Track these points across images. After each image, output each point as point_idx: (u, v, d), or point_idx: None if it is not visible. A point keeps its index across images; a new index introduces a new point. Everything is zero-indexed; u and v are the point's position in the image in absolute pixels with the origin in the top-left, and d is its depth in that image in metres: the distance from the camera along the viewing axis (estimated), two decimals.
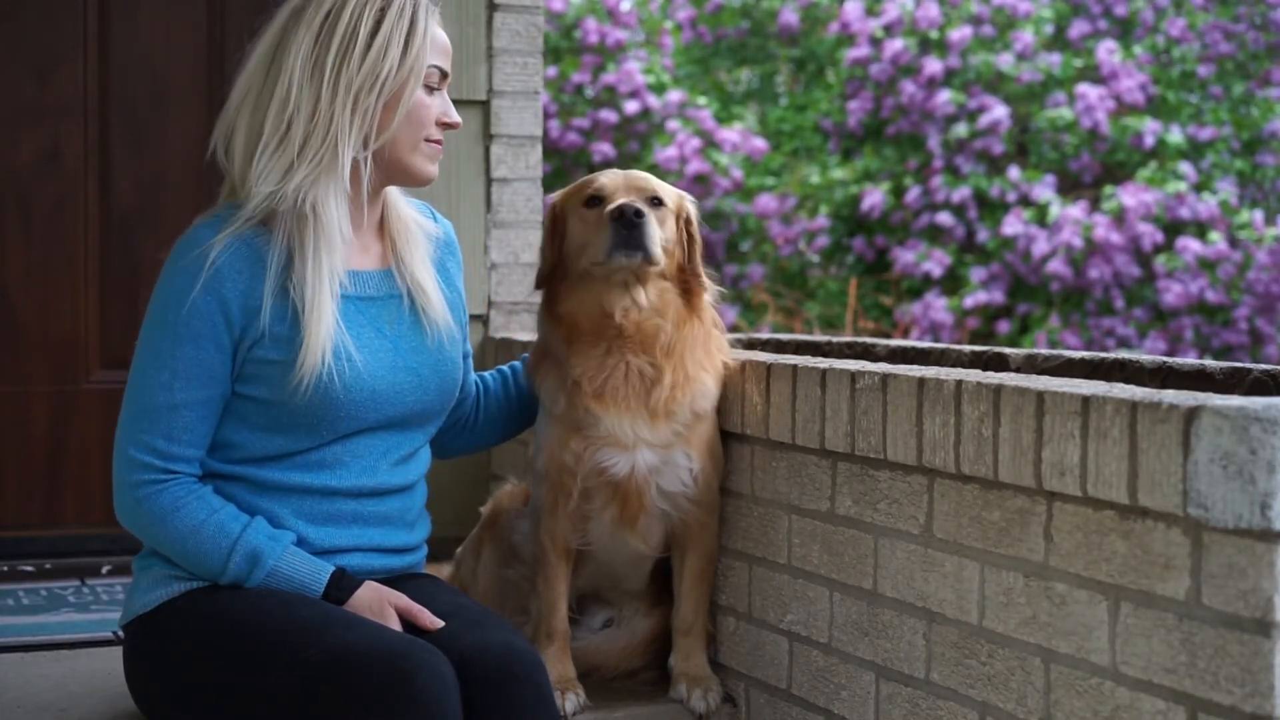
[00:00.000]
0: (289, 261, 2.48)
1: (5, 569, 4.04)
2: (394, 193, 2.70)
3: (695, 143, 11.27)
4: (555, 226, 2.79)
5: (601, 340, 2.73)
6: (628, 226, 2.63)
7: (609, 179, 2.75)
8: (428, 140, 2.59)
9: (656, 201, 2.74)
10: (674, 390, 2.74)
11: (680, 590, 2.92)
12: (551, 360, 2.80)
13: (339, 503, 2.57)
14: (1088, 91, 10.94)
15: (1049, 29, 11.67)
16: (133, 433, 2.47)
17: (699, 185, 11.12)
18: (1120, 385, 2.15)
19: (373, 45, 2.51)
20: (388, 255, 2.65)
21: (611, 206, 2.66)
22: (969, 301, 10.68)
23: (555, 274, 2.79)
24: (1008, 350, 3.13)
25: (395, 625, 2.44)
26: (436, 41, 2.59)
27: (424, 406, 2.64)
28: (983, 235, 10.98)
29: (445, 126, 2.62)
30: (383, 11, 2.53)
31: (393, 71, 2.52)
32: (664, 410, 2.74)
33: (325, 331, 2.47)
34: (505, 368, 3.01)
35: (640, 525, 2.82)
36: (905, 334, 10.78)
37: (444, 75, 2.61)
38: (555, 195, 2.85)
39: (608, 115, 11.29)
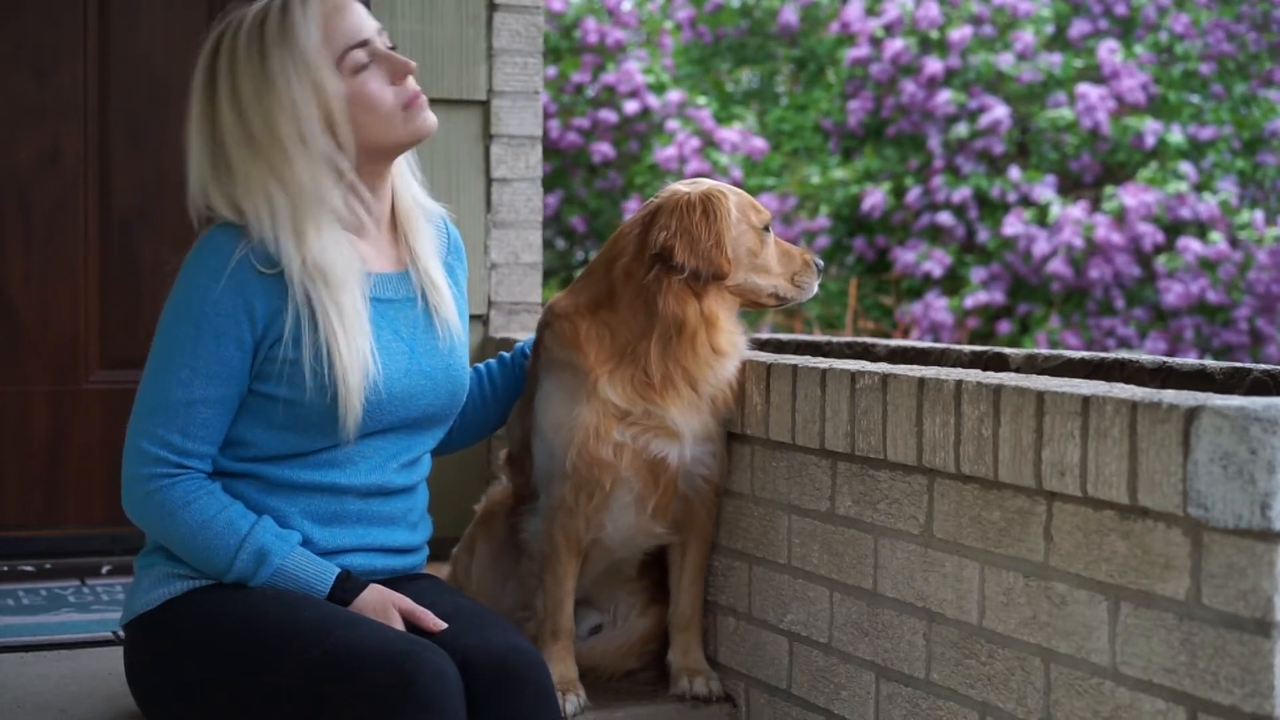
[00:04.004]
0: (314, 322, 2.46)
1: (5, 569, 4.04)
2: (401, 174, 2.66)
3: (695, 143, 11.27)
4: (729, 228, 2.78)
5: (723, 339, 2.78)
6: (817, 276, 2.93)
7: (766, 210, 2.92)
8: (404, 107, 2.53)
9: None
10: (734, 388, 2.83)
11: (680, 585, 2.93)
12: (636, 353, 2.75)
13: (347, 502, 2.57)
14: (1088, 91, 10.94)
15: (1049, 29, 11.67)
16: (148, 426, 2.47)
17: None
18: (1120, 385, 2.15)
19: (278, 91, 2.44)
20: (403, 257, 2.64)
21: (816, 259, 2.92)
22: (969, 301, 10.68)
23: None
24: (1008, 350, 3.13)
25: (399, 627, 2.44)
26: (331, 28, 2.49)
27: (435, 410, 2.64)
28: (983, 235, 10.98)
29: (405, 78, 2.53)
30: (263, 53, 2.45)
31: (309, 98, 2.45)
32: (724, 406, 2.82)
33: (358, 376, 2.46)
34: (480, 366, 2.99)
35: (670, 511, 2.86)
36: (905, 334, 10.78)
37: (364, 43, 2.50)
38: (719, 194, 2.78)
39: (607, 115, 11.29)
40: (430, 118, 2.57)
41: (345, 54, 2.49)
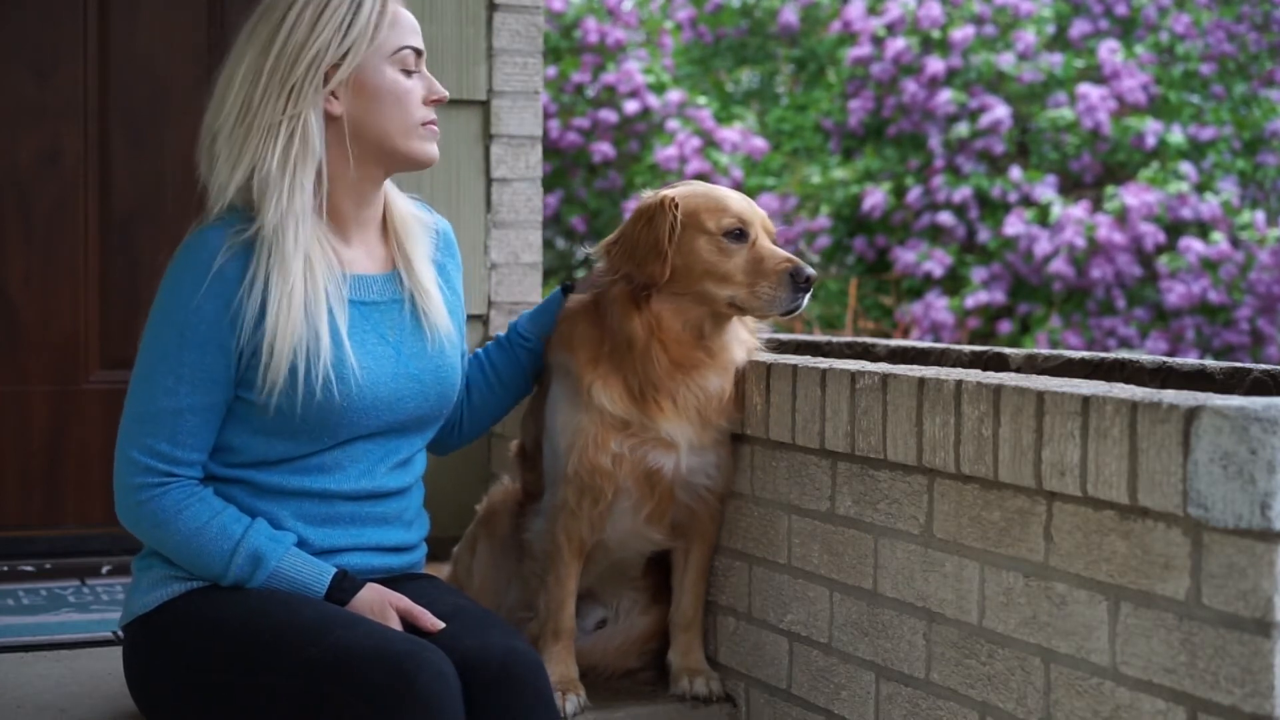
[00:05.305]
0: (266, 281, 2.45)
1: (5, 569, 4.04)
2: (392, 189, 2.69)
3: (695, 142, 11.27)
4: (671, 234, 2.71)
5: (677, 350, 2.74)
6: (800, 289, 2.67)
7: (747, 210, 2.74)
8: (422, 124, 2.57)
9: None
10: (725, 401, 2.79)
11: (683, 584, 2.93)
12: (614, 362, 2.74)
13: (338, 505, 2.57)
14: (1089, 91, 10.94)
15: (1050, 29, 11.67)
16: (136, 436, 2.47)
17: None
18: (1120, 385, 2.15)
19: (313, 35, 2.47)
20: (392, 258, 2.64)
21: (796, 267, 2.67)
22: (970, 301, 10.68)
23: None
24: (1008, 350, 3.13)
25: (396, 627, 2.44)
26: (401, 21, 2.55)
27: (424, 412, 2.64)
28: (984, 235, 10.98)
29: (434, 103, 2.59)
30: (323, 6, 2.49)
31: (334, 48, 2.47)
32: (714, 418, 2.80)
33: (284, 359, 2.44)
34: (479, 352, 2.97)
35: (667, 518, 2.85)
36: (905, 334, 10.78)
37: (419, 54, 2.57)
38: (667, 200, 2.73)
39: (608, 115, 11.29)
40: (435, 149, 2.61)
41: (405, 50, 2.55)
